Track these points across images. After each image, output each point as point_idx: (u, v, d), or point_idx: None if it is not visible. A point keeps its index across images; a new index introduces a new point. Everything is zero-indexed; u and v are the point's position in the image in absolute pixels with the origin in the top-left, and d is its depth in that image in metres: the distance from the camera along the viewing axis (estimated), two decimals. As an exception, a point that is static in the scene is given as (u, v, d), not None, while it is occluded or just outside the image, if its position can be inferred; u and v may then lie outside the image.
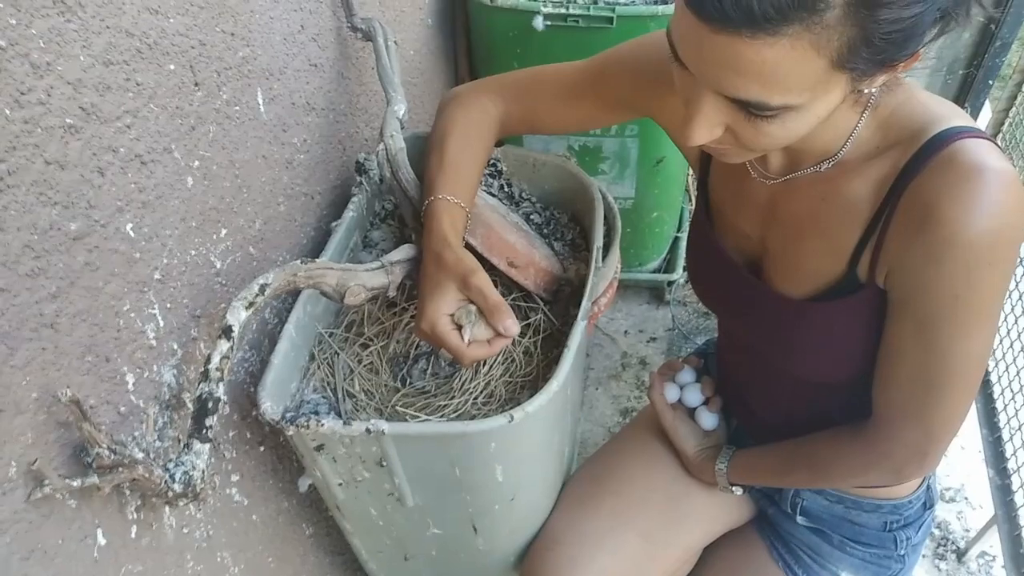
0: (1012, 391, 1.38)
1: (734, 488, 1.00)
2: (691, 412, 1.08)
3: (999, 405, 1.41)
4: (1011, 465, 1.31)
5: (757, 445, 1.02)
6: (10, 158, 0.54)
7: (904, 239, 0.68)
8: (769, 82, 0.55)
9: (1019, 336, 1.40)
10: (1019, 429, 1.32)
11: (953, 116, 0.67)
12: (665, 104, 0.86)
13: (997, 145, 0.66)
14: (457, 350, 0.78)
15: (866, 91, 0.64)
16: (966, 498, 1.58)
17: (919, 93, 0.71)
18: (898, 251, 0.69)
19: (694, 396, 1.07)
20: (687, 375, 1.09)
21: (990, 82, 1.83)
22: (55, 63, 0.57)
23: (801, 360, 0.83)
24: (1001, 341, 1.48)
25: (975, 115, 1.89)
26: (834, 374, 0.82)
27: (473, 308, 0.78)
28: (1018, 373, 1.37)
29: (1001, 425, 1.38)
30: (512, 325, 0.78)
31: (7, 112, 0.54)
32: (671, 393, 1.08)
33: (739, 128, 0.61)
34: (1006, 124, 1.65)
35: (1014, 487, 1.28)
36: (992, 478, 1.33)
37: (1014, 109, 1.61)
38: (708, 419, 1.06)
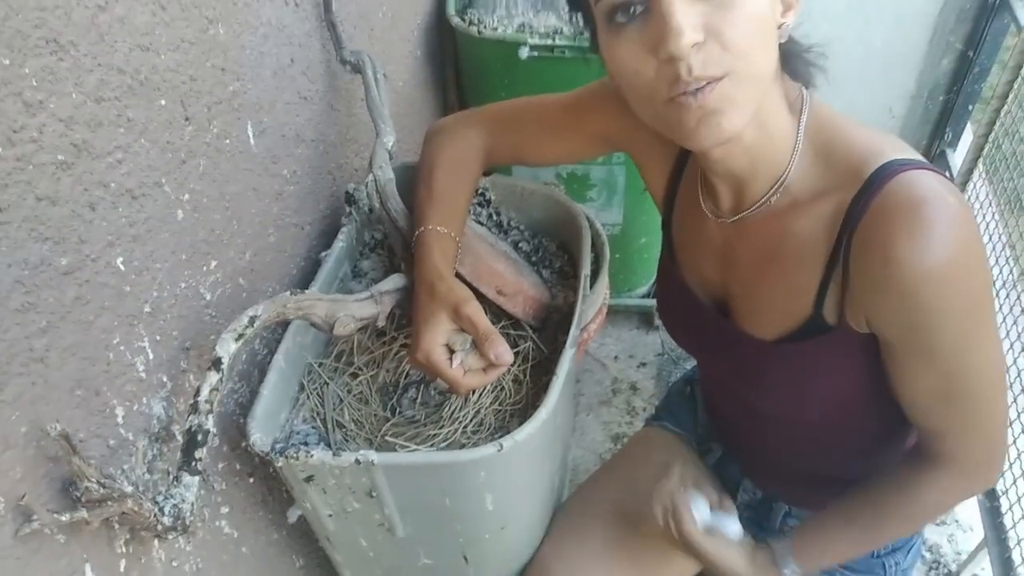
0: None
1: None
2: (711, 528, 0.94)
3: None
4: (999, 487, 1.32)
5: (745, 474, 1.02)
6: (2, 195, 0.55)
7: (871, 290, 0.68)
8: None
9: (1015, 367, 1.42)
10: (1013, 484, 1.33)
11: (889, 149, 0.68)
12: (636, 138, 0.87)
13: (935, 170, 0.66)
14: (452, 379, 0.79)
15: (784, 24, 0.65)
16: (956, 521, 1.59)
17: (854, 126, 0.71)
18: (870, 301, 0.69)
19: (728, 523, 0.92)
20: (698, 501, 0.93)
21: (970, 107, 1.87)
22: (47, 101, 0.58)
23: (774, 400, 0.83)
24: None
25: (956, 140, 1.92)
26: (808, 414, 0.83)
27: (467, 337, 0.79)
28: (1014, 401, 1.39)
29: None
30: (505, 353, 0.78)
31: (0, 150, 0.54)
32: (701, 515, 0.91)
33: (715, 21, 0.59)
34: (986, 148, 1.68)
35: (1003, 509, 1.28)
36: (981, 501, 1.34)
37: (993, 133, 1.64)
38: (734, 529, 0.92)
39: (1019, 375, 1.32)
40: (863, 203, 0.66)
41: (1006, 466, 1.31)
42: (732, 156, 0.71)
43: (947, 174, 1.83)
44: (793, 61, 0.70)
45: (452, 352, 0.79)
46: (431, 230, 0.85)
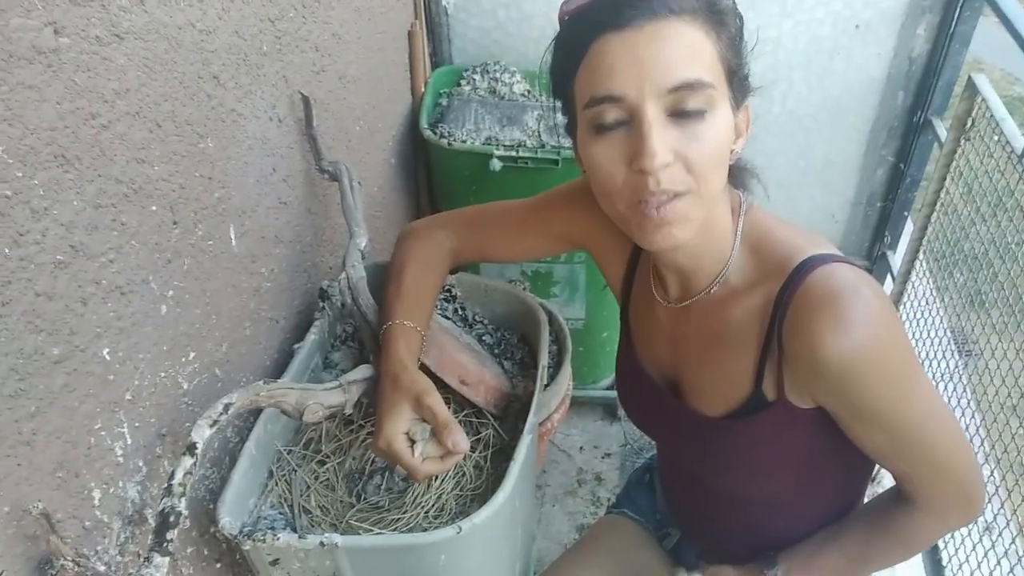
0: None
1: None
2: None
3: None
4: (948, 573, 1.36)
5: (703, 555, 1.06)
6: (5, 291, 0.61)
7: (807, 373, 0.75)
8: (696, 58, 0.67)
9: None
10: (952, 537, 1.38)
11: (809, 246, 0.77)
12: (595, 236, 0.96)
13: (849, 261, 0.76)
14: (410, 466, 0.83)
15: (734, 149, 0.75)
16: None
17: (781, 225, 0.82)
18: (811, 383, 0.76)
19: None
20: None
21: (905, 213, 2.01)
22: (52, 208, 0.65)
23: (724, 475, 0.89)
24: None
25: (895, 243, 2.06)
26: (757, 488, 0.89)
27: (426, 426, 0.84)
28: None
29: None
30: (461, 441, 0.84)
31: (6, 251, 0.61)
32: None
33: (683, 147, 0.68)
34: (921, 249, 1.80)
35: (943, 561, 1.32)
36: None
37: (926, 237, 1.77)
38: None
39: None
40: (788, 294, 0.75)
41: (952, 552, 1.36)
42: (679, 254, 0.81)
43: (889, 274, 1.95)
44: (737, 173, 0.82)
45: (413, 441, 0.84)
46: (398, 324, 0.92)
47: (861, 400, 0.75)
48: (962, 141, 1.61)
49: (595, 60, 0.69)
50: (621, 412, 2.03)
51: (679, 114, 0.68)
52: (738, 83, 0.73)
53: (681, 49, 0.67)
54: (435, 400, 0.85)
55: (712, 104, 0.69)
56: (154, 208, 0.80)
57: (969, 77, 1.55)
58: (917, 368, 0.77)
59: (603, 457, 1.95)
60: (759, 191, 0.83)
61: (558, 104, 0.80)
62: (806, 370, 0.75)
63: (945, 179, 1.66)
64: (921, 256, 1.83)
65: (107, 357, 0.74)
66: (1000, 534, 1.25)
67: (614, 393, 2.00)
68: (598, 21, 0.68)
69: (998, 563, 1.26)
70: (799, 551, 0.96)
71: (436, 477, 0.97)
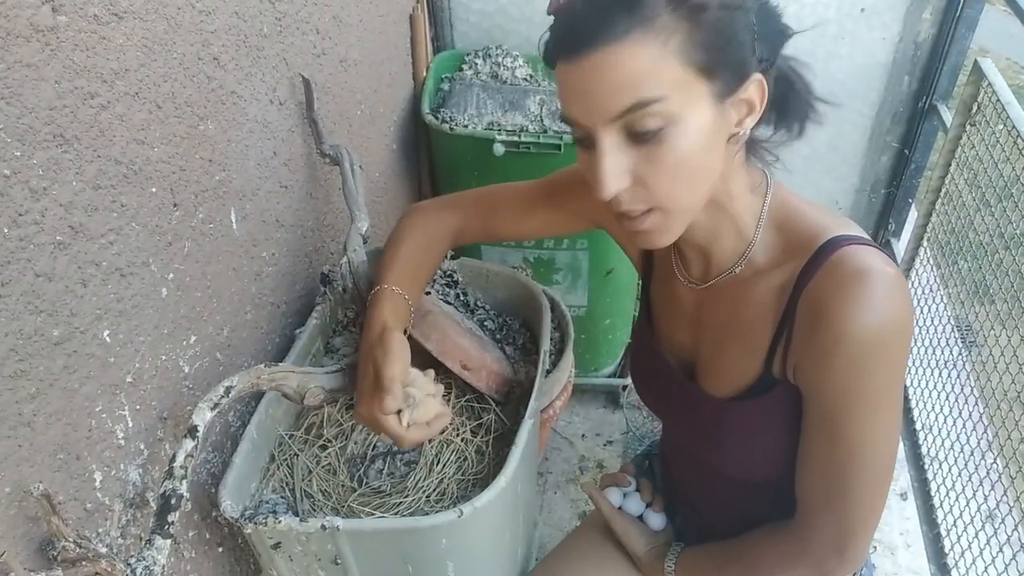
0: (946, 487, 1.45)
1: None
2: (639, 516, 1.12)
3: (936, 502, 1.47)
4: (950, 560, 1.36)
5: (703, 542, 1.06)
6: (4, 271, 0.61)
7: (803, 338, 0.75)
8: (639, 80, 0.65)
9: (952, 435, 1.49)
10: (954, 525, 1.38)
11: (838, 226, 0.76)
12: (611, 217, 0.95)
13: (876, 246, 0.75)
14: (395, 433, 0.80)
15: (739, 132, 0.73)
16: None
17: (807, 205, 0.81)
18: (800, 349, 0.76)
19: (635, 504, 1.10)
20: (626, 484, 1.13)
21: (909, 200, 2.00)
22: (51, 188, 0.65)
23: (727, 457, 0.89)
24: (935, 440, 1.56)
25: (899, 230, 2.05)
26: (758, 472, 0.88)
27: (414, 392, 0.81)
28: (949, 471, 1.45)
29: (939, 521, 1.44)
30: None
31: (5, 231, 0.61)
32: (614, 498, 1.11)
33: (641, 169, 0.68)
34: (926, 237, 1.80)
35: (953, 582, 1.33)
36: (934, 573, 1.38)
37: (930, 224, 1.76)
38: (655, 520, 1.09)
39: (962, 450, 1.39)
40: (811, 271, 0.75)
41: (955, 539, 1.36)
42: (694, 234, 0.80)
43: (893, 261, 1.94)
44: (757, 151, 0.80)
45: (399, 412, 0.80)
46: (386, 289, 0.90)
47: (832, 389, 0.74)
48: (967, 126, 1.60)
49: (559, 83, 0.70)
50: (623, 400, 2.03)
51: (635, 136, 0.68)
52: (729, 70, 0.69)
53: (624, 75, 0.65)
54: (389, 364, 0.80)
55: (670, 118, 0.66)
56: (154, 190, 0.79)
57: (976, 61, 1.54)
58: (897, 397, 0.76)
59: (605, 445, 1.95)
60: (779, 166, 0.82)
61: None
62: (803, 337, 0.75)
63: (950, 165, 1.65)
64: (925, 244, 1.83)
65: (107, 339, 0.73)
66: (1003, 521, 1.25)
67: (616, 381, 2.00)
68: (556, 48, 0.68)
69: (1000, 550, 1.26)
70: (696, 550, 1.01)
71: (438, 460, 0.97)
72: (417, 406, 0.80)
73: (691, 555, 1.03)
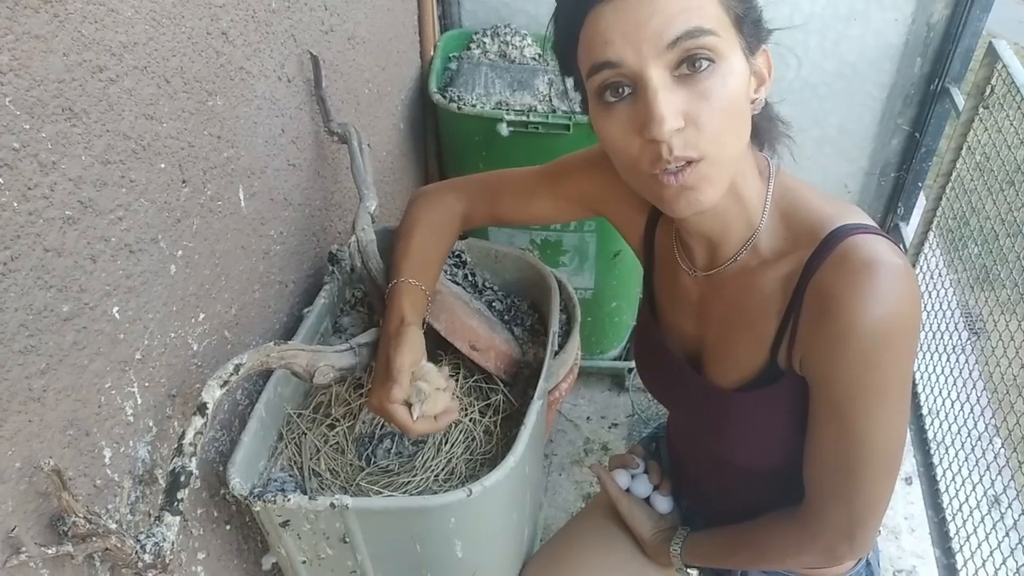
0: (952, 472, 1.45)
1: (688, 569, 1.04)
2: (646, 498, 1.12)
3: (941, 487, 1.47)
4: (955, 544, 1.36)
5: (709, 527, 1.06)
6: (14, 245, 0.60)
7: (810, 329, 0.74)
8: (692, 7, 0.64)
9: (959, 420, 1.48)
10: (959, 509, 1.38)
11: (845, 214, 0.75)
12: (612, 202, 0.95)
13: (884, 235, 0.74)
14: (404, 425, 0.83)
15: (757, 100, 0.72)
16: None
17: (813, 193, 0.79)
18: (806, 340, 0.75)
19: (643, 486, 1.10)
20: (635, 466, 1.13)
21: (919, 184, 1.99)
22: (60, 162, 0.64)
23: (733, 447, 0.88)
24: (942, 425, 1.56)
25: (908, 215, 2.04)
26: (765, 461, 0.88)
27: (423, 386, 0.83)
28: (956, 455, 1.45)
29: (944, 506, 1.44)
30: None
31: (15, 204, 0.60)
32: (622, 480, 1.11)
33: (692, 109, 0.66)
34: (935, 222, 1.79)
35: (958, 565, 1.33)
36: (939, 557, 1.38)
37: (940, 208, 1.75)
38: (662, 503, 1.10)
39: (968, 435, 1.39)
40: (818, 260, 0.73)
41: (960, 523, 1.36)
42: (705, 220, 0.79)
43: (901, 245, 1.93)
44: (763, 134, 0.78)
45: (409, 404, 0.83)
46: (403, 282, 0.91)
47: (840, 380, 0.73)
48: (980, 109, 1.59)
49: (591, 31, 0.67)
50: (629, 383, 2.03)
51: (684, 72, 0.65)
52: (750, 27, 0.69)
53: (675, 4, 0.64)
54: (399, 354, 0.83)
55: (719, 54, 0.65)
56: (163, 166, 0.79)
57: (990, 43, 1.52)
58: (906, 387, 0.75)
59: (610, 427, 1.95)
60: (785, 153, 0.80)
61: (569, 82, 0.77)
62: (809, 328, 0.73)
63: (961, 149, 1.63)
64: (934, 229, 1.82)
65: (117, 316, 0.73)
66: (1010, 506, 1.25)
67: (622, 364, 1.99)
68: None
69: (1006, 535, 1.26)
70: (703, 533, 1.01)
71: (446, 440, 0.97)
72: (426, 399, 0.82)
73: (697, 539, 1.03)
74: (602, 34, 0.66)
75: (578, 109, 1.56)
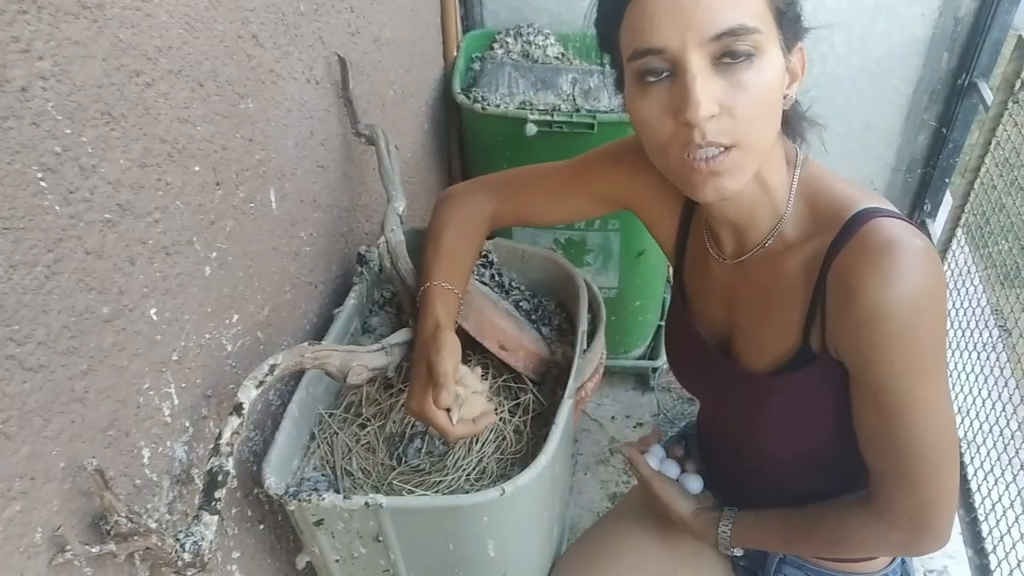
0: (984, 471, 1.43)
1: (735, 550, 1.01)
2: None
3: (973, 486, 1.45)
4: (988, 544, 1.34)
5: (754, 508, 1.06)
6: (57, 248, 0.61)
7: (836, 312, 0.74)
8: (740, 4, 0.65)
9: (990, 419, 1.46)
10: (992, 509, 1.36)
11: (866, 199, 0.76)
12: (643, 196, 0.94)
13: (905, 219, 0.74)
14: (443, 428, 0.83)
15: (788, 95, 0.72)
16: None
17: (836, 179, 0.80)
18: (835, 324, 0.75)
19: (672, 468, 1.09)
20: (659, 449, 1.11)
21: (946, 180, 1.96)
22: (99, 166, 0.65)
23: (768, 434, 0.88)
24: (973, 424, 1.54)
25: (935, 211, 2.01)
26: (799, 447, 0.87)
27: (460, 390, 0.84)
28: (988, 454, 1.43)
29: (976, 506, 1.42)
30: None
31: (57, 208, 0.61)
32: (653, 461, 1.09)
33: (728, 97, 0.67)
34: (963, 218, 1.76)
35: (992, 566, 1.31)
36: (971, 557, 1.36)
37: (968, 204, 1.72)
38: (694, 483, 1.07)
39: (1000, 434, 1.37)
40: (840, 243, 0.74)
41: (993, 523, 1.34)
42: (731, 207, 0.80)
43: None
44: (792, 123, 0.79)
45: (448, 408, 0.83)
46: (436, 286, 0.92)
47: (873, 363, 0.73)
48: (1009, 104, 1.56)
49: (636, 13, 0.68)
50: (654, 382, 2.02)
51: (724, 62, 0.66)
52: (789, 23, 0.70)
53: None
54: (441, 360, 0.83)
55: (759, 49, 0.66)
56: (197, 168, 0.79)
57: (1019, 36, 1.50)
58: (941, 363, 0.74)
59: (635, 427, 1.94)
60: (816, 143, 0.81)
61: (606, 58, 0.78)
62: (837, 315, 0.74)
63: (990, 144, 1.61)
64: (962, 225, 1.79)
65: (154, 317, 0.74)
66: (1045, 505, 1.23)
67: (646, 363, 1.99)
68: None
69: (1041, 534, 1.24)
70: (752, 516, 0.97)
71: (476, 440, 0.97)
72: (464, 403, 0.83)
73: (748, 524, 0.98)
74: (648, 18, 0.66)
75: (600, 105, 1.56)
